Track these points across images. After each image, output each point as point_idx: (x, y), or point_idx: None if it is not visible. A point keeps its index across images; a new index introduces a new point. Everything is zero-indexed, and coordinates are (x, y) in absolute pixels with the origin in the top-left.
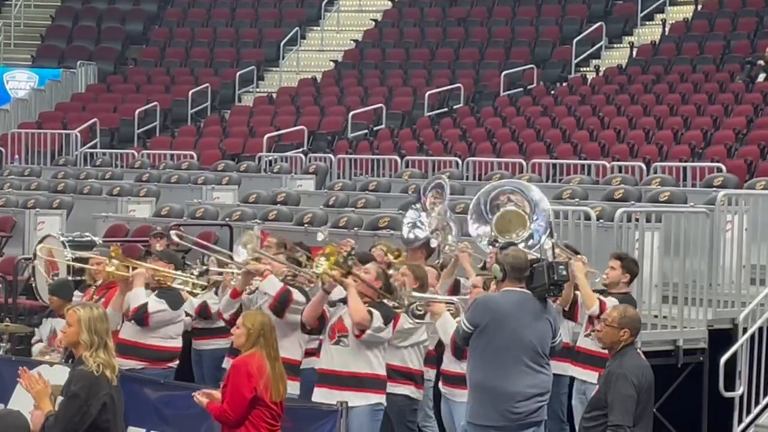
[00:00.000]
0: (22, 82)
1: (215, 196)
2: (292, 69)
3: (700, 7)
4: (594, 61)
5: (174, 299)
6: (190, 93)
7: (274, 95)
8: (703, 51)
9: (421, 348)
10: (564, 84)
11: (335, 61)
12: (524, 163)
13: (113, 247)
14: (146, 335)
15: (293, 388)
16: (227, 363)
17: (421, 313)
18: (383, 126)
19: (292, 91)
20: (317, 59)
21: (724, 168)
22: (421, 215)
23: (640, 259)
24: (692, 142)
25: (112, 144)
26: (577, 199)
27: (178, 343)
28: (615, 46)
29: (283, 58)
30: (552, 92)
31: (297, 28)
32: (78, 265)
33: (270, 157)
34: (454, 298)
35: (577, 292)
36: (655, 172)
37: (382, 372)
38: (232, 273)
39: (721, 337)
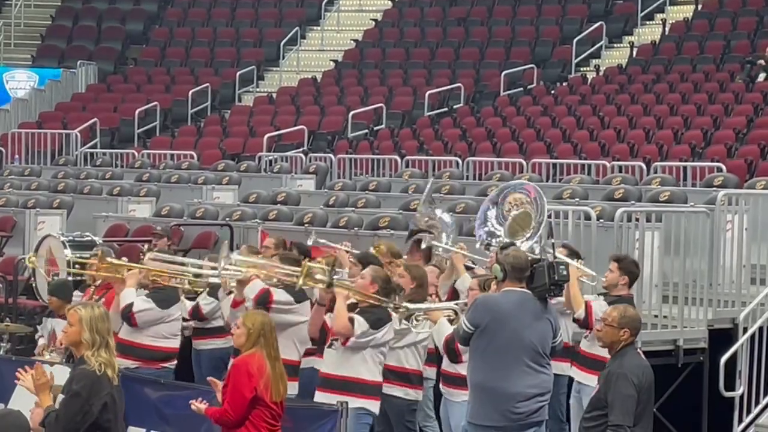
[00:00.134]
0: (22, 82)
1: (215, 196)
2: (292, 69)
3: (700, 6)
4: (594, 61)
5: (165, 298)
6: (191, 93)
7: (274, 95)
8: (704, 51)
9: (420, 348)
10: (564, 84)
11: (335, 61)
12: (524, 162)
13: (99, 252)
14: (140, 335)
15: (291, 388)
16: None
17: (421, 320)
18: (383, 126)
19: (292, 91)
20: (317, 59)
21: (724, 168)
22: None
23: (641, 259)
24: (692, 141)
25: (113, 144)
26: (577, 199)
27: (173, 343)
28: (615, 45)
29: (284, 58)
30: (552, 92)
31: (297, 28)
32: (78, 266)
33: (270, 157)
34: (453, 304)
35: (588, 300)
36: (656, 172)
37: (373, 377)
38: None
39: (722, 337)
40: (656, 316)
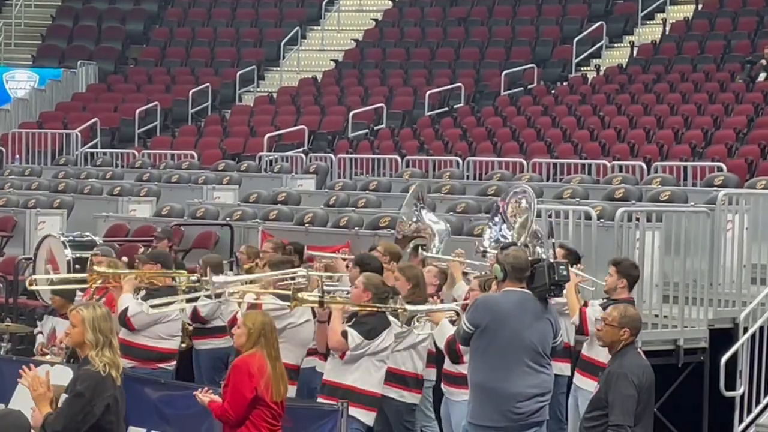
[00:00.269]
0: (22, 81)
1: (216, 196)
2: (292, 69)
3: (700, 6)
4: (594, 61)
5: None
6: (191, 93)
7: (275, 95)
8: (704, 50)
9: (420, 349)
10: (564, 83)
11: (336, 61)
12: (525, 162)
13: (96, 259)
14: (136, 335)
15: (289, 391)
16: None
17: (423, 322)
18: (384, 125)
19: (292, 91)
20: (318, 59)
21: (724, 167)
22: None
23: (641, 259)
24: (693, 141)
25: (113, 144)
26: (577, 199)
27: (170, 344)
28: (615, 45)
29: (284, 58)
30: (552, 92)
31: (297, 28)
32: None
33: (270, 157)
34: (454, 305)
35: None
36: (656, 172)
37: (371, 388)
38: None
39: (722, 337)
40: (657, 316)
